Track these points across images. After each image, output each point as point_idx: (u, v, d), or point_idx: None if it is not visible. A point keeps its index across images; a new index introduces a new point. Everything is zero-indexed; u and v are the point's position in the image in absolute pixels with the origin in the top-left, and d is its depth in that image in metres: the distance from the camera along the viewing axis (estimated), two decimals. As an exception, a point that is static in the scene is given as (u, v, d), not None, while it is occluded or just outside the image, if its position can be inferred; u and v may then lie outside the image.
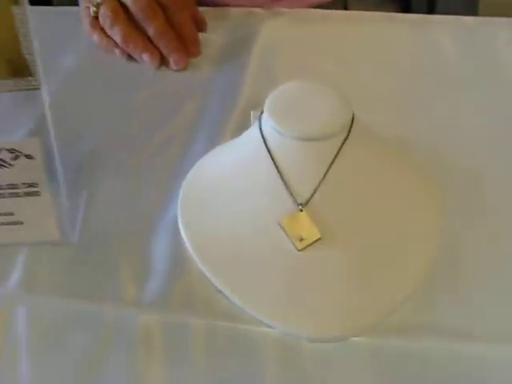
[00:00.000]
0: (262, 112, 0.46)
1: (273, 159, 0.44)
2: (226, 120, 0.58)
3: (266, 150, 0.44)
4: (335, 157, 0.44)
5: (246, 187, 0.45)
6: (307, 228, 0.42)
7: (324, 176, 0.43)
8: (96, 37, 0.66)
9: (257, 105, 0.47)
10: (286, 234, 0.42)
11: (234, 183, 0.46)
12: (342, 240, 0.43)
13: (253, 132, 0.47)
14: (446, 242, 0.43)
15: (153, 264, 0.44)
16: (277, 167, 0.44)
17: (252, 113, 0.53)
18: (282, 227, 0.43)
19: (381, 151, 0.48)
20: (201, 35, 0.68)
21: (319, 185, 0.43)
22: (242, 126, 0.47)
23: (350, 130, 0.44)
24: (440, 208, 0.47)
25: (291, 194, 0.43)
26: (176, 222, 0.47)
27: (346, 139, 0.44)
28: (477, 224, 0.45)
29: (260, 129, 0.46)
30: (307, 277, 0.42)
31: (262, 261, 0.42)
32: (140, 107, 0.58)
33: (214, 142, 0.52)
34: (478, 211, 0.46)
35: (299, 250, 0.42)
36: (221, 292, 0.41)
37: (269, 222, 0.43)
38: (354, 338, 0.40)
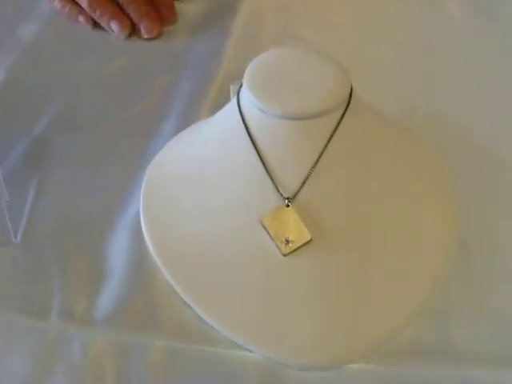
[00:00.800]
0: (242, 85, 0.38)
1: (253, 142, 0.36)
2: (203, 97, 0.50)
3: (244, 130, 0.36)
4: (329, 139, 0.36)
5: (220, 177, 0.37)
6: (295, 227, 0.34)
7: (316, 163, 0.35)
8: (57, 2, 0.57)
9: (238, 79, 0.39)
10: (269, 235, 0.35)
11: (207, 172, 0.38)
12: (337, 242, 0.35)
13: (230, 109, 0.39)
14: (462, 241, 0.35)
15: (109, 271, 0.37)
16: (258, 152, 0.36)
17: (231, 87, 0.45)
18: (263, 226, 0.35)
19: (384, 132, 0.40)
20: (177, 3, 0.60)
21: (310, 174, 0.35)
22: (221, 104, 0.39)
23: (347, 107, 0.36)
24: (454, 200, 0.40)
25: (275, 186, 0.35)
26: (139, 218, 0.38)
27: (342, 117, 0.36)
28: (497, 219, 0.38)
29: (238, 105, 0.38)
30: (294, 289, 0.34)
31: (239, 268, 0.35)
32: (105, 83, 0.51)
33: (187, 122, 0.44)
34: (499, 202, 0.39)
35: (285, 255, 0.34)
36: (190, 307, 0.33)
37: (248, 219, 0.35)
38: (350, 365, 0.32)
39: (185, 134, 0.44)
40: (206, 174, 0.38)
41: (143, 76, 0.53)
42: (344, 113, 0.37)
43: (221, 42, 0.56)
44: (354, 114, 0.37)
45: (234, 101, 0.39)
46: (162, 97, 0.51)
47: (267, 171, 0.35)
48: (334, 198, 0.36)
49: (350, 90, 0.37)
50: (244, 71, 0.39)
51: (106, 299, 0.36)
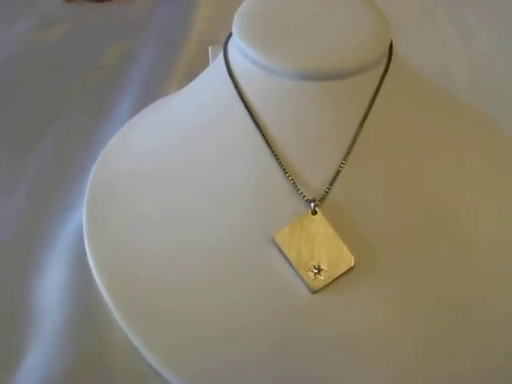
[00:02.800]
0: (230, 36, 0.26)
1: (253, 116, 0.23)
2: (170, 67, 0.37)
3: (238, 99, 0.24)
4: (368, 109, 0.23)
5: (202, 171, 0.24)
6: (328, 247, 0.21)
7: (352, 145, 0.22)
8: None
9: (218, 43, 0.27)
10: (288, 261, 0.22)
11: (181, 165, 0.25)
12: (396, 266, 0.22)
13: (213, 73, 0.26)
14: None
15: (37, 318, 0.23)
16: (261, 130, 0.23)
17: (210, 49, 0.32)
18: (278, 247, 0.22)
19: (434, 99, 0.28)
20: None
21: (344, 162, 0.22)
22: (196, 74, 0.25)
23: (388, 64, 0.24)
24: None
25: (293, 182, 0.22)
26: (80, 239, 0.25)
27: (382, 78, 0.24)
28: None
29: (226, 64, 0.25)
30: (331, 346, 0.21)
31: (237, 314, 0.21)
32: (41, 52, 0.40)
33: (148, 100, 0.30)
34: None
35: (314, 292, 0.21)
36: (154, 369, 0.20)
37: (252, 237, 0.22)
38: None
39: (146, 115, 0.31)
40: (178, 169, 0.25)
41: (91, 44, 0.40)
42: (385, 72, 0.24)
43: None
44: (396, 73, 0.25)
45: (218, 61, 0.26)
46: (115, 69, 0.37)
47: (278, 159, 0.23)
48: (384, 197, 0.23)
49: (389, 42, 0.25)
50: (220, 37, 0.26)
51: (33, 362, 0.22)
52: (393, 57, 0.25)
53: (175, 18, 0.42)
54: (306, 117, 0.23)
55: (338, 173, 0.23)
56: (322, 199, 0.22)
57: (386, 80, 0.25)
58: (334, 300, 0.21)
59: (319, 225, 0.22)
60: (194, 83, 0.28)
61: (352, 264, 0.21)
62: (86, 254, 0.25)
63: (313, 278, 0.21)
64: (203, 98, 0.26)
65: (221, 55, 0.26)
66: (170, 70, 0.37)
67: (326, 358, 0.21)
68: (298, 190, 0.22)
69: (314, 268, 0.21)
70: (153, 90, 0.35)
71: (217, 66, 0.26)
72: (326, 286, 0.21)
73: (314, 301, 0.21)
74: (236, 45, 0.25)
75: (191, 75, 0.30)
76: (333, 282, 0.21)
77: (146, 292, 0.23)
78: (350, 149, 0.23)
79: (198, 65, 0.33)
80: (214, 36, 0.30)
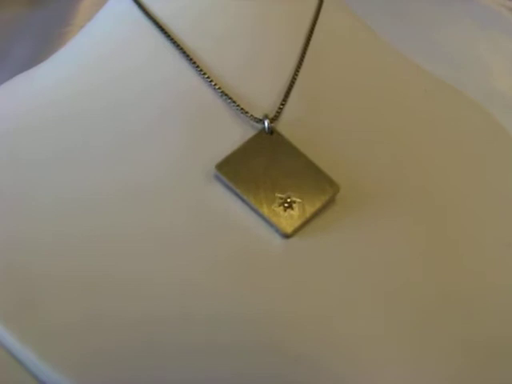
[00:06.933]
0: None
1: (170, 37, 0.17)
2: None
3: (147, 20, 0.18)
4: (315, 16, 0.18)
5: (116, 108, 0.17)
6: (297, 173, 0.15)
7: (301, 60, 0.17)
8: None
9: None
10: (240, 198, 0.15)
11: (88, 101, 0.18)
12: (388, 204, 0.16)
13: (109, 7, 0.20)
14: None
15: None
16: (184, 51, 0.17)
17: None
18: (223, 180, 0.15)
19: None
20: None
21: (296, 77, 0.17)
22: None
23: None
24: None
25: (234, 103, 0.16)
26: None
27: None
28: None
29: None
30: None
31: (185, 286, 0.14)
32: None
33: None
34: None
35: (287, 236, 0.15)
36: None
37: (189, 178, 0.15)
38: None
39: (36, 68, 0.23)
40: (87, 110, 0.18)
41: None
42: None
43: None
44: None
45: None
46: None
47: (209, 79, 0.16)
48: (351, 115, 0.17)
49: None
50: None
51: None
52: None
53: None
54: (237, 31, 0.18)
55: (290, 88, 0.17)
56: (276, 117, 0.16)
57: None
58: (314, 246, 0.15)
59: (279, 147, 0.16)
60: (88, 24, 0.21)
61: (335, 192, 0.15)
62: None
63: (283, 215, 0.15)
64: (102, 30, 0.19)
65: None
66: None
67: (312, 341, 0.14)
68: (242, 109, 0.16)
69: (283, 202, 0.15)
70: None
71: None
72: (302, 226, 0.15)
73: (288, 248, 0.15)
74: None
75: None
76: (310, 219, 0.15)
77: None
78: (300, 62, 0.17)
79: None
80: None
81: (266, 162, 0.15)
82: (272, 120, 0.16)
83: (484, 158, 0.20)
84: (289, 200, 0.15)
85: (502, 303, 0.16)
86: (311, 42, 0.18)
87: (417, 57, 0.23)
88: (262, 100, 0.17)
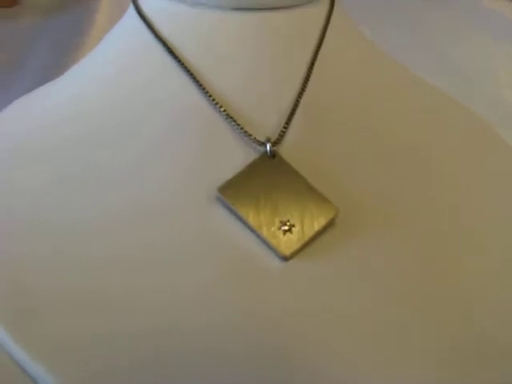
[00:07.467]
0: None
1: (176, 57, 0.18)
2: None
3: (155, 41, 0.18)
4: (321, 38, 0.19)
5: (123, 127, 0.18)
6: (297, 198, 0.16)
7: (305, 82, 0.18)
8: None
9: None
10: (241, 220, 0.15)
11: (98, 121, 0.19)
12: (385, 227, 0.17)
13: (121, 25, 0.21)
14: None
15: None
16: (190, 72, 0.17)
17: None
18: (225, 203, 0.16)
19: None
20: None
21: (299, 100, 0.17)
22: None
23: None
24: None
25: (238, 126, 0.16)
26: None
27: (330, 14, 0.20)
28: None
29: (137, 9, 0.20)
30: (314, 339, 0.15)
31: (184, 302, 0.15)
32: None
33: None
34: None
35: (287, 258, 0.15)
36: None
37: (192, 198, 0.16)
38: None
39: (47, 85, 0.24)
40: (98, 130, 0.18)
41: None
42: (331, 7, 0.20)
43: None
44: (341, 12, 0.21)
45: (128, 12, 0.21)
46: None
47: (214, 101, 0.17)
48: (352, 138, 0.18)
49: None
50: None
51: None
52: None
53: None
54: (241, 51, 0.18)
55: (293, 109, 0.17)
56: (279, 140, 0.17)
57: (333, 17, 0.20)
58: (312, 268, 0.15)
59: (281, 170, 0.16)
60: (101, 43, 0.22)
61: (334, 213, 0.15)
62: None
63: (282, 238, 0.15)
64: (114, 50, 0.20)
65: (130, 5, 0.21)
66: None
67: (307, 355, 0.14)
68: (246, 132, 0.17)
69: (282, 225, 0.15)
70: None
71: (126, 17, 0.21)
72: (300, 249, 0.15)
73: (286, 270, 0.15)
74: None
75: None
76: (309, 242, 0.15)
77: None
78: (304, 85, 0.18)
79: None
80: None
81: (266, 185, 0.16)
82: (274, 143, 0.16)
83: (487, 174, 0.20)
84: (288, 223, 0.15)
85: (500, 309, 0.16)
86: (316, 62, 0.19)
87: (425, 68, 0.24)
88: (266, 121, 0.17)
